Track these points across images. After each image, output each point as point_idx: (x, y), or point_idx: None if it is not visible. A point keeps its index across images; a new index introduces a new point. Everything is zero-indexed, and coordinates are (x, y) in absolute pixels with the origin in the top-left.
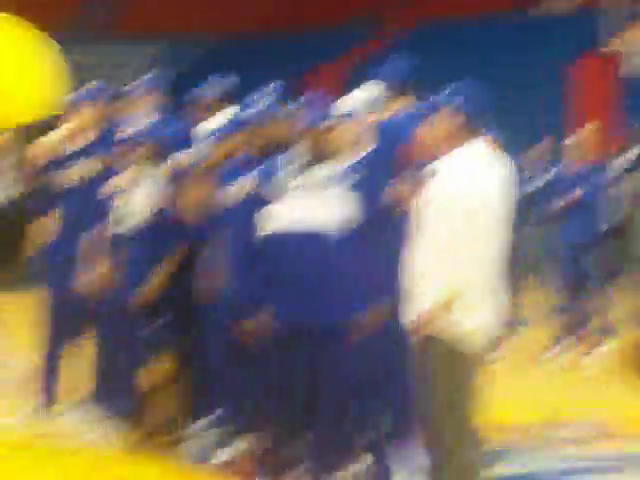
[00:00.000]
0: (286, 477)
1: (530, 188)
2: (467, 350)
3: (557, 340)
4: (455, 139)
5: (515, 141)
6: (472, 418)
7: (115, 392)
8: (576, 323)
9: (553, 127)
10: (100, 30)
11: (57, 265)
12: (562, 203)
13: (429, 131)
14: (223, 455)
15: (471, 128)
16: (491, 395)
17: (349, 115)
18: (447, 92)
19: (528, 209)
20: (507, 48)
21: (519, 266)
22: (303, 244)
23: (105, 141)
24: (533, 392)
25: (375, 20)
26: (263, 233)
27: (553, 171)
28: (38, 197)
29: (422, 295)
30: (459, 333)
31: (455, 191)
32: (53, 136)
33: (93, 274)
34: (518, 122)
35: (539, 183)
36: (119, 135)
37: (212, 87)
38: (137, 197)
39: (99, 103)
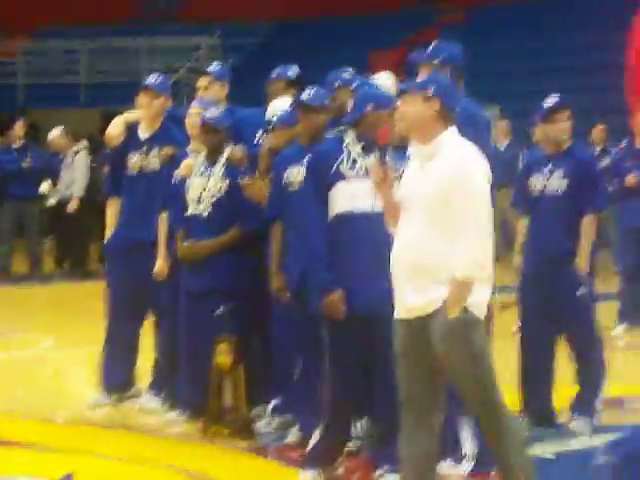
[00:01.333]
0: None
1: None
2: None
3: (620, 319)
4: (438, 124)
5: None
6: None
7: (181, 377)
8: (633, 305)
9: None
10: (162, 18)
11: (117, 252)
12: (616, 185)
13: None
14: (287, 439)
15: (449, 114)
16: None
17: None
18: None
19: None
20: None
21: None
22: (374, 224)
23: (169, 129)
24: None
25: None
26: (333, 214)
27: (615, 151)
28: (112, 182)
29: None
30: (479, 304)
31: (460, 172)
32: (131, 117)
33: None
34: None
35: (601, 164)
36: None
37: (278, 74)
38: (210, 180)
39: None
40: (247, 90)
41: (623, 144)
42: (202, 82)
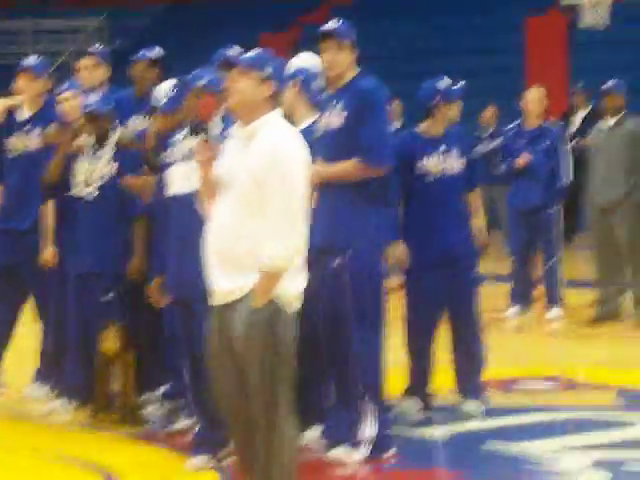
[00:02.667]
0: None
1: (484, 149)
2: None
3: (512, 299)
4: (266, 106)
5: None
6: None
7: (68, 364)
8: (525, 287)
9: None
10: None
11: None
12: (507, 166)
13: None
14: (177, 425)
15: (278, 98)
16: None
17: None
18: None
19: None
20: (458, 10)
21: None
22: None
23: (51, 110)
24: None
25: None
26: None
27: (506, 133)
28: None
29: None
30: (288, 296)
31: (277, 156)
32: (9, 101)
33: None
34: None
35: (491, 145)
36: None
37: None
38: (98, 163)
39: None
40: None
41: (513, 125)
42: (87, 62)
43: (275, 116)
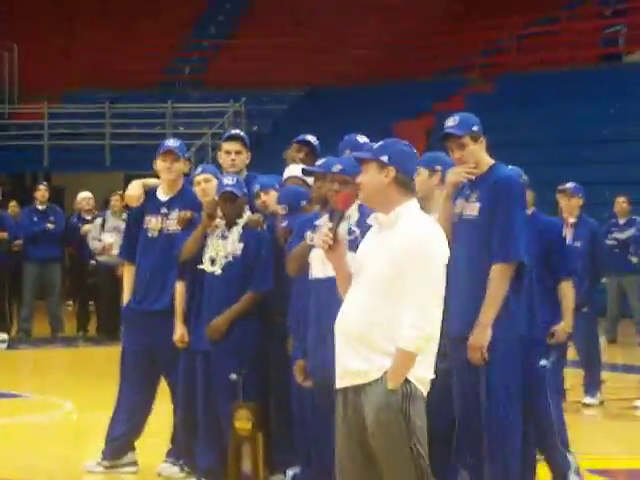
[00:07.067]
0: None
1: (620, 237)
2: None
3: None
4: (395, 193)
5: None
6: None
7: (199, 444)
8: None
9: None
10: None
11: (134, 318)
12: (637, 258)
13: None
14: None
15: (406, 183)
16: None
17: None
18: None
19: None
20: (595, 97)
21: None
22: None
23: (189, 192)
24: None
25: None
26: None
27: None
28: (128, 246)
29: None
30: (419, 381)
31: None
32: (150, 181)
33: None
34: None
35: (626, 234)
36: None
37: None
38: (226, 243)
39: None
40: (271, 157)
41: None
42: (233, 147)
43: (413, 205)
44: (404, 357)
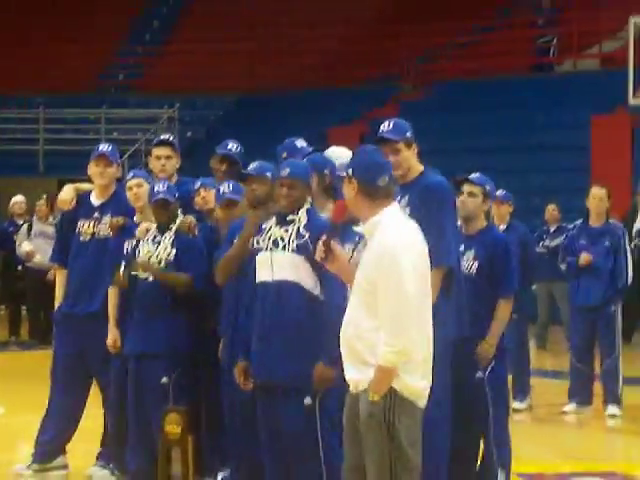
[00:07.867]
0: None
1: (550, 244)
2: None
3: (571, 395)
4: (365, 204)
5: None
6: None
7: (129, 448)
8: (584, 383)
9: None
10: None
11: (64, 322)
12: (569, 264)
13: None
14: None
15: (373, 192)
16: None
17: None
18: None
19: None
20: (527, 105)
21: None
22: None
23: (121, 197)
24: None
25: (392, 81)
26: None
27: (569, 231)
28: (60, 250)
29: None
30: (408, 391)
31: (396, 250)
32: (82, 186)
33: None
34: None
35: (556, 242)
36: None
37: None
38: (158, 248)
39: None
40: (205, 163)
41: (577, 223)
42: (163, 152)
43: (391, 212)
44: (381, 371)
